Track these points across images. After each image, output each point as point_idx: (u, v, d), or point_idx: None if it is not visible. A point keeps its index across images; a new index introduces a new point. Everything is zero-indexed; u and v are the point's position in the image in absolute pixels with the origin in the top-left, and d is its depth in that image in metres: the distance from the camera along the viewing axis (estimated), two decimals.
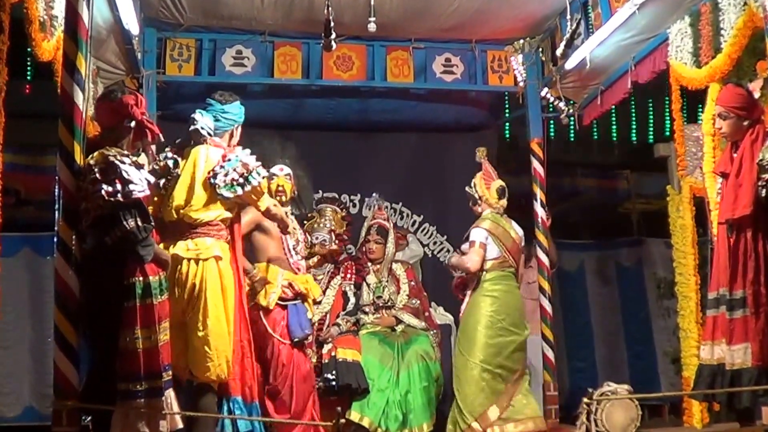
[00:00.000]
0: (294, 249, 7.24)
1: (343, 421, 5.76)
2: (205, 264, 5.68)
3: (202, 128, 5.97)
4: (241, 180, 5.74)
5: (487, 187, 7.56)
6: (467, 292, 7.45)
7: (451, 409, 7.27)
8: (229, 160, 5.80)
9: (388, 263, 8.13)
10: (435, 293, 8.88)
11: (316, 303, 7.62)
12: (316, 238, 8.05)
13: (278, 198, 7.05)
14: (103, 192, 4.75)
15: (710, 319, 5.93)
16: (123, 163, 4.87)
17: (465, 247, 7.52)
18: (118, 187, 4.79)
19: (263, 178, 5.90)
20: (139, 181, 4.90)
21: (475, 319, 7.30)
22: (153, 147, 5.62)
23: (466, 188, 7.65)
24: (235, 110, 6.26)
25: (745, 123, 5.72)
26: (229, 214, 5.89)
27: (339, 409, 5.86)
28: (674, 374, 10.40)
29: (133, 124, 5.13)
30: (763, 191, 5.40)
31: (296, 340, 6.93)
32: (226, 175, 5.72)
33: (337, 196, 9.10)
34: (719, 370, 5.75)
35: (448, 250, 9.87)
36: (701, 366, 5.99)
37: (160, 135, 5.42)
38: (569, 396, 9.39)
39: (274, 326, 6.89)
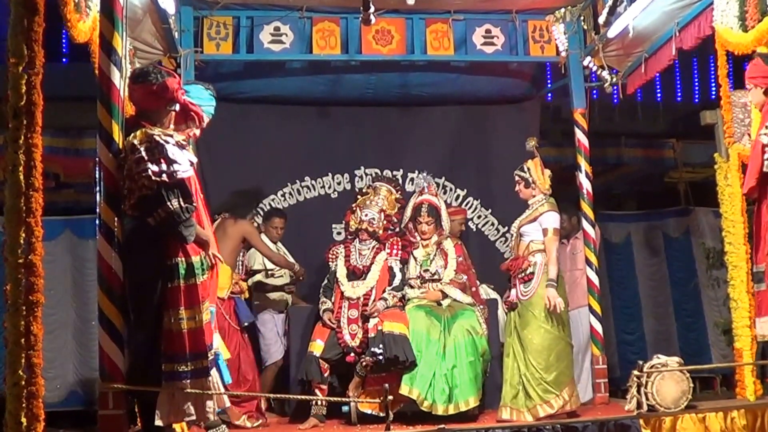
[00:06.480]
0: None
1: (391, 398, 5.72)
2: None
3: None
4: None
5: (542, 172, 7.48)
6: (528, 273, 7.34)
7: (527, 384, 7.13)
8: None
9: (443, 239, 8.04)
10: (480, 268, 8.75)
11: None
12: (366, 215, 7.95)
13: None
14: (150, 172, 4.71)
15: (757, 294, 6.02)
16: (167, 143, 4.84)
17: (530, 228, 7.41)
18: (164, 166, 4.76)
19: None
20: (183, 162, 4.87)
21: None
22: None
23: (517, 172, 7.51)
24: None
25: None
26: None
27: (386, 386, 5.81)
28: (725, 346, 10.32)
29: (177, 107, 5.10)
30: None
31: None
32: None
33: (391, 176, 9.11)
34: None
35: (492, 224, 9.79)
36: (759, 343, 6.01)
37: (203, 117, 5.41)
38: (618, 369, 9.32)
39: None
